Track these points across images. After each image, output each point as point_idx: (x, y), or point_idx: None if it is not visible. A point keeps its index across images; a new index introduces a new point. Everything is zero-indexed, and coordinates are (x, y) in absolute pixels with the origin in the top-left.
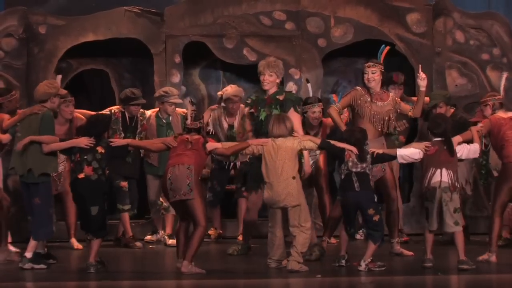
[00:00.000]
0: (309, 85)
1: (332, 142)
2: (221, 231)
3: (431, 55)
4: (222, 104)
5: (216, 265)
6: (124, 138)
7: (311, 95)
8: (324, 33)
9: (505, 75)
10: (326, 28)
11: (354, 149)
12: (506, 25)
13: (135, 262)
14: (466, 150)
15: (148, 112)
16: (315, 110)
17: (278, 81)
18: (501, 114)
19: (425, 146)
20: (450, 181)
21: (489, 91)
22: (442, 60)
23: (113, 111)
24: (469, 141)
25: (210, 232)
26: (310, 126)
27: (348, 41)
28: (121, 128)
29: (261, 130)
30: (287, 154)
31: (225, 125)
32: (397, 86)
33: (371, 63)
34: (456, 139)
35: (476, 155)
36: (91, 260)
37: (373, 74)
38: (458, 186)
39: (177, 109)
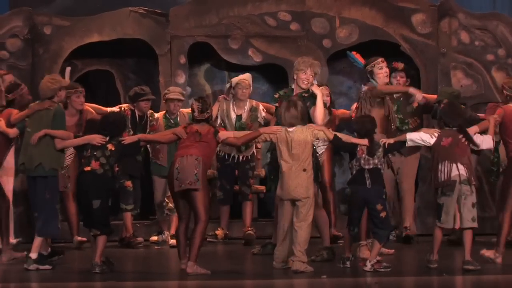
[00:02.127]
0: None
1: (345, 138)
2: (227, 232)
3: (436, 56)
4: (232, 92)
5: (221, 266)
6: (133, 135)
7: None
8: (329, 34)
9: None
10: (331, 28)
11: (365, 142)
12: (511, 26)
13: (140, 263)
14: (480, 140)
15: (156, 115)
16: (323, 91)
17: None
18: None
19: (434, 132)
20: (469, 175)
21: (494, 92)
22: (447, 61)
23: (123, 108)
24: (484, 132)
25: (217, 232)
26: None
27: (353, 41)
28: (130, 126)
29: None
30: (301, 147)
31: (233, 116)
32: (399, 73)
33: (380, 59)
34: (473, 129)
35: (491, 146)
36: (97, 259)
37: (387, 68)
38: (477, 180)
39: (181, 109)
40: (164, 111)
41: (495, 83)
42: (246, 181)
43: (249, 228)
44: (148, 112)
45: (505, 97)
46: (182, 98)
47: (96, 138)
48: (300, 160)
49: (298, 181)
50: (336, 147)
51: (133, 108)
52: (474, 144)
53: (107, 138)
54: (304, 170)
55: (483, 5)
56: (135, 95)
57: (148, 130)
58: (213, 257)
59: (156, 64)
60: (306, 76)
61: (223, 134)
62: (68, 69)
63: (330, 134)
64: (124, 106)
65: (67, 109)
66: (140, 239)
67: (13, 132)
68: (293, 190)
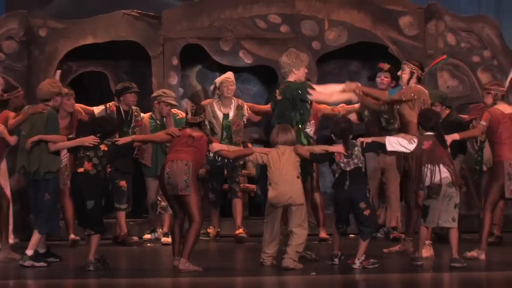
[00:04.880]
0: None
1: (319, 148)
2: (218, 230)
3: (423, 58)
4: (217, 93)
5: (213, 263)
6: (120, 131)
7: None
8: (318, 36)
9: None
10: (320, 31)
11: (341, 149)
12: (496, 28)
13: (133, 260)
14: None
15: (142, 115)
16: None
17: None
18: (502, 107)
19: (412, 138)
20: (453, 176)
21: (480, 92)
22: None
23: (108, 105)
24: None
25: (209, 230)
26: None
27: (341, 43)
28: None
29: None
30: (291, 158)
31: (220, 115)
32: (384, 73)
33: (406, 61)
34: (453, 136)
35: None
36: (91, 257)
37: (402, 71)
38: (460, 181)
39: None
40: (150, 112)
41: (480, 84)
42: (236, 178)
43: (241, 229)
44: (133, 108)
45: (493, 97)
46: (176, 103)
47: (89, 140)
48: (292, 168)
49: (294, 188)
50: (315, 162)
51: (118, 105)
52: (446, 146)
53: (99, 140)
54: (298, 177)
55: (469, 8)
56: (123, 89)
57: (133, 125)
58: (205, 255)
59: (149, 65)
60: (305, 70)
61: (216, 146)
62: (58, 72)
63: (307, 153)
64: (110, 103)
65: (58, 111)
66: (135, 238)
67: (14, 140)
68: (290, 198)
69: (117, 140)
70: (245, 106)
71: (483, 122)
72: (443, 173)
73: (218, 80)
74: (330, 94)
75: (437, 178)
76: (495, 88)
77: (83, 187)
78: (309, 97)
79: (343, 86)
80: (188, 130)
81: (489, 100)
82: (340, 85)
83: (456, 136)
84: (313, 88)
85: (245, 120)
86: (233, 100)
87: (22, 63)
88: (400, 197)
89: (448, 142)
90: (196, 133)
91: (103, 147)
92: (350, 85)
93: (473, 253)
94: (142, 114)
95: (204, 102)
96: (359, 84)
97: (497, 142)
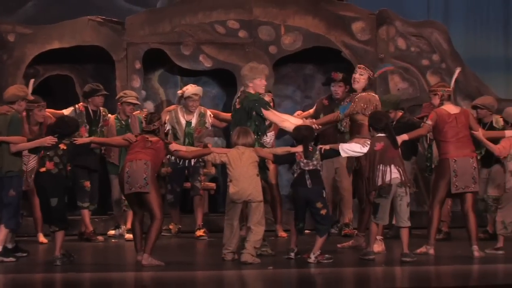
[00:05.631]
0: None
1: (281, 150)
2: (180, 226)
3: (375, 61)
4: (182, 102)
5: (175, 258)
6: (89, 130)
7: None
8: (275, 41)
9: (458, 69)
10: (277, 36)
11: (300, 149)
12: (445, 33)
13: (98, 255)
14: None
15: (109, 116)
16: (266, 99)
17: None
18: (448, 107)
19: (365, 141)
20: (403, 177)
21: (429, 94)
22: (385, 66)
23: (77, 106)
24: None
25: (170, 227)
26: None
27: (297, 48)
28: (85, 121)
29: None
30: (251, 158)
31: (183, 122)
32: (337, 83)
33: (363, 66)
34: (403, 137)
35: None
36: (57, 253)
37: (360, 75)
38: (410, 181)
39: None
40: (115, 114)
41: (429, 87)
42: (198, 177)
43: (201, 230)
44: (101, 108)
45: (440, 98)
46: (138, 102)
47: (47, 140)
48: (252, 167)
49: (253, 185)
50: (278, 164)
51: (86, 105)
52: (397, 146)
53: (57, 140)
54: (257, 175)
55: (418, 13)
56: (92, 91)
57: (101, 124)
58: (167, 250)
59: (113, 69)
60: (262, 82)
61: (175, 146)
62: (32, 81)
63: (270, 155)
64: (79, 104)
65: (29, 119)
66: (100, 238)
67: None
68: (250, 194)
69: (75, 140)
70: (208, 114)
71: (429, 122)
72: (393, 174)
73: (186, 92)
74: (283, 120)
75: (387, 178)
76: (441, 89)
77: (46, 185)
78: (264, 112)
79: (299, 122)
80: (145, 136)
81: (436, 101)
82: (296, 119)
83: (405, 137)
84: (270, 106)
85: (208, 126)
86: (197, 109)
87: None
88: (353, 194)
89: (398, 143)
90: (152, 138)
91: (62, 146)
92: (305, 122)
93: (422, 249)
94: (107, 116)
95: (169, 108)
96: (314, 120)
97: (443, 140)
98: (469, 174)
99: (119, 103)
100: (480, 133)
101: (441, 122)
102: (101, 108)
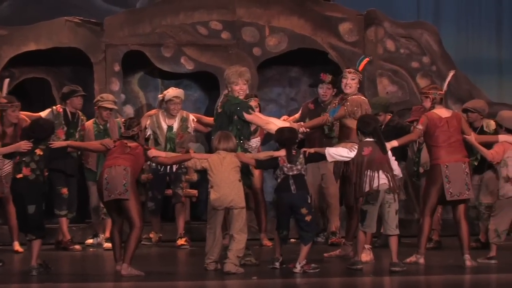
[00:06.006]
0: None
1: (263, 155)
2: (160, 235)
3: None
4: (163, 106)
5: (155, 268)
6: (66, 132)
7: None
8: (259, 42)
9: (451, 72)
10: (261, 37)
11: (283, 153)
12: (435, 34)
13: (76, 265)
14: (395, 165)
15: (86, 123)
16: (251, 104)
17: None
18: (439, 111)
19: (352, 146)
20: (391, 183)
21: (419, 98)
22: (373, 68)
23: (54, 108)
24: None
25: (151, 235)
26: None
27: (282, 50)
28: (63, 122)
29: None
30: (232, 163)
31: (164, 126)
32: (326, 85)
33: (352, 70)
34: (392, 143)
35: (399, 175)
36: (33, 263)
37: (352, 80)
38: (399, 188)
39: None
40: (93, 119)
41: (419, 89)
42: (180, 184)
43: (183, 239)
44: (79, 112)
45: (431, 101)
46: (115, 107)
47: (22, 145)
48: (234, 172)
49: (235, 191)
50: (260, 169)
51: (64, 107)
52: (385, 151)
53: (32, 145)
54: (240, 180)
55: (408, 14)
56: (70, 92)
57: (79, 128)
58: (147, 259)
59: (91, 72)
60: (240, 87)
61: (154, 152)
62: (7, 80)
63: (252, 161)
64: (57, 106)
65: (3, 120)
66: (77, 247)
67: None
68: (232, 200)
69: (51, 144)
70: (190, 118)
71: (419, 126)
72: (381, 180)
73: (167, 95)
74: (268, 122)
75: (375, 184)
76: (433, 92)
77: (23, 192)
78: (246, 116)
79: (286, 125)
80: (124, 141)
81: (427, 103)
82: (282, 121)
83: (394, 143)
84: (253, 110)
85: (191, 131)
86: (178, 113)
87: None
88: (340, 201)
89: (388, 149)
90: (131, 144)
91: (38, 151)
92: (293, 125)
93: (412, 258)
94: (84, 120)
95: (150, 113)
96: (302, 123)
97: (434, 145)
98: (462, 180)
99: (96, 107)
100: (472, 137)
101: (432, 126)
102: (79, 112)
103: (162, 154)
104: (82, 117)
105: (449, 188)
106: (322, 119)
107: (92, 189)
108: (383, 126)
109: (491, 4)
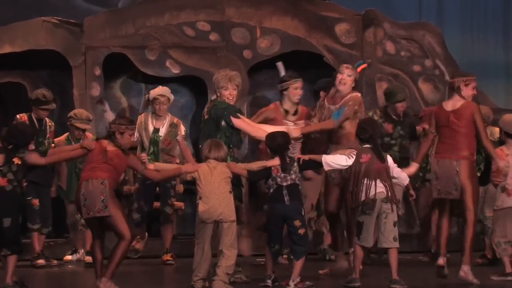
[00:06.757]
0: (279, 64)
1: (256, 165)
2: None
3: None
4: (149, 109)
5: (139, 285)
6: (35, 142)
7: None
8: (250, 45)
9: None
10: (252, 39)
11: (277, 162)
12: (438, 36)
13: (53, 283)
14: (398, 171)
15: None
16: (297, 85)
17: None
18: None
19: (350, 153)
20: (389, 192)
21: (421, 103)
22: (372, 72)
23: (18, 116)
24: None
25: (137, 246)
26: (291, 104)
27: (274, 52)
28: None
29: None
30: (223, 173)
31: (150, 128)
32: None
33: (350, 66)
34: (411, 170)
35: (404, 183)
36: (8, 280)
37: (348, 77)
38: (398, 198)
39: (87, 133)
40: (66, 134)
41: (422, 95)
42: (168, 200)
43: (169, 255)
44: (46, 119)
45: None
46: (87, 126)
47: None
48: (224, 183)
49: (225, 203)
50: (253, 180)
51: (29, 113)
52: (383, 159)
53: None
54: (230, 192)
55: (409, 14)
56: (37, 101)
57: (47, 136)
58: (130, 276)
59: (70, 76)
60: (229, 92)
61: (156, 165)
62: None
63: (244, 171)
64: (22, 114)
65: None
66: (40, 261)
67: None
68: (222, 213)
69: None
70: (181, 127)
71: (432, 130)
72: (378, 188)
73: (151, 95)
74: (257, 129)
75: (371, 193)
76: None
77: None
78: (233, 120)
79: (279, 129)
80: (104, 143)
81: (469, 91)
82: (272, 127)
83: (413, 169)
84: (242, 114)
85: (179, 139)
86: (167, 116)
87: None
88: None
89: (409, 175)
90: (110, 147)
91: (16, 160)
92: (290, 131)
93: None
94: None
95: (141, 116)
96: (299, 128)
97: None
98: (450, 178)
99: (69, 123)
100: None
101: (437, 122)
102: (46, 118)
103: (164, 166)
104: (49, 124)
105: (436, 185)
106: (327, 124)
107: (68, 207)
108: (402, 117)
109: (498, 4)
